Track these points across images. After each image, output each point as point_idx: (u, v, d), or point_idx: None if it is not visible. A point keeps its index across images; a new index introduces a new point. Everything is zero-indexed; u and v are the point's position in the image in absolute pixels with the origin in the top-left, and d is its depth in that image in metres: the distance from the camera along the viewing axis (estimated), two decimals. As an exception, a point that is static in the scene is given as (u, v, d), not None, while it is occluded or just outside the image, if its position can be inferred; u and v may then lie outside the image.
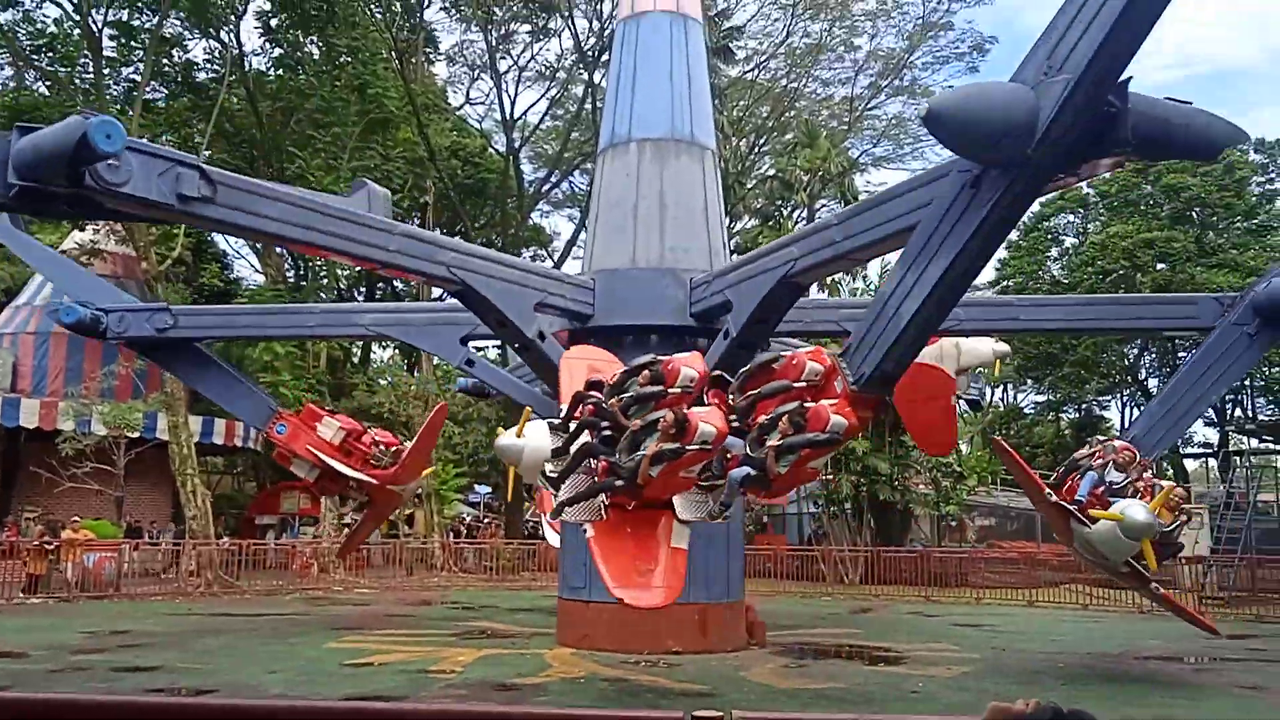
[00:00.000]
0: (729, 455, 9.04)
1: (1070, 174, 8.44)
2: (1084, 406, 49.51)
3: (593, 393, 9.13)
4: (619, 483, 8.56)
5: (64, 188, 9.26)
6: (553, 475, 9.27)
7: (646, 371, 8.93)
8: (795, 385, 9.13)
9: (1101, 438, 13.34)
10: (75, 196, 9.58)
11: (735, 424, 9.06)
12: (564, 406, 9.56)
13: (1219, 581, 22.78)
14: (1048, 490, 12.21)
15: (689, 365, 8.96)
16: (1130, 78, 7.47)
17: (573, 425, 9.21)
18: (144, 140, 11.51)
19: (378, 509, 18.30)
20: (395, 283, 42.82)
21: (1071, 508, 11.79)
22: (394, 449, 17.16)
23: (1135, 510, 11.06)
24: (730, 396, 9.49)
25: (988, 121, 7.40)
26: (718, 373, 9.99)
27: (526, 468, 9.70)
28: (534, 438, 9.58)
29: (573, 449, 9.00)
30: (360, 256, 11.95)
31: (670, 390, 8.76)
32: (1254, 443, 36.73)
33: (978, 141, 7.65)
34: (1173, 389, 14.07)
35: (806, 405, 8.77)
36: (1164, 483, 12.31)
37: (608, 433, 8.82)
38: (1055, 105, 7.25)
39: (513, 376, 16.50)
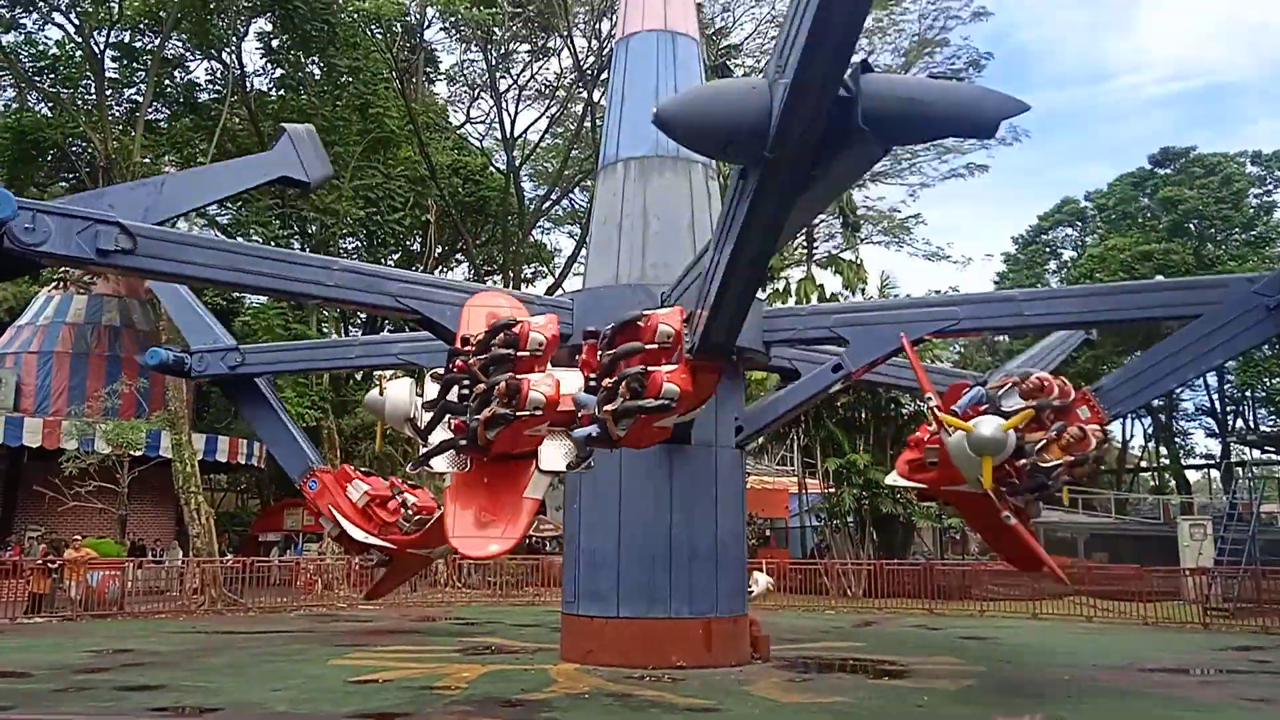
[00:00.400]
0: (580, 413, 9.38)
1: (825, 167, 7.74)
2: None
3: (466, 348, 9.38)
4: (463, 441, 8.95)
5: None
6: (419, 428, 9.76)
7: (501, 334, 9.12)
8: (647, 347, 9.29)
9: (1030, 371, 11.86)
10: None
11: (593, 382, 9.44)
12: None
13: (1223, 593, 22.73)
14: (930, 395, 11.36)
15: (538, 330, 9.12)
16: (864, 61, 6.95)
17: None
18: (58, 201, 11.80)
19: (399, 570, 18.46)
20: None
21: (938, 414, 11.04)
22: (419, 516, 17.47)
23: (986, 424, 10.36)
24: (599, 354, 9.69)
25: (716, 123, 7.23)
26: (592, 328, 10.10)
27: (390, 420, 10.45)
28: (393, 394, 10.22)
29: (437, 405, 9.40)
30: (299, 293, 12.28)
31: (520, 354, 8.99)
32: (1256, 454, 36.72)
33: (710, 143, 7.61)
34: (1164, 346, 12.47)
35: (647, 370, 9.03)
36: (1089, 428, 11.05)
37: (466, 390, 9.11)
38: (780, 104, 6.95)
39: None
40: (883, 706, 10.83)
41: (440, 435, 9.29)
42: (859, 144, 7.20)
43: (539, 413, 8.62)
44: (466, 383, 9.06)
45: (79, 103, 29.33)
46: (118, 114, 30.09)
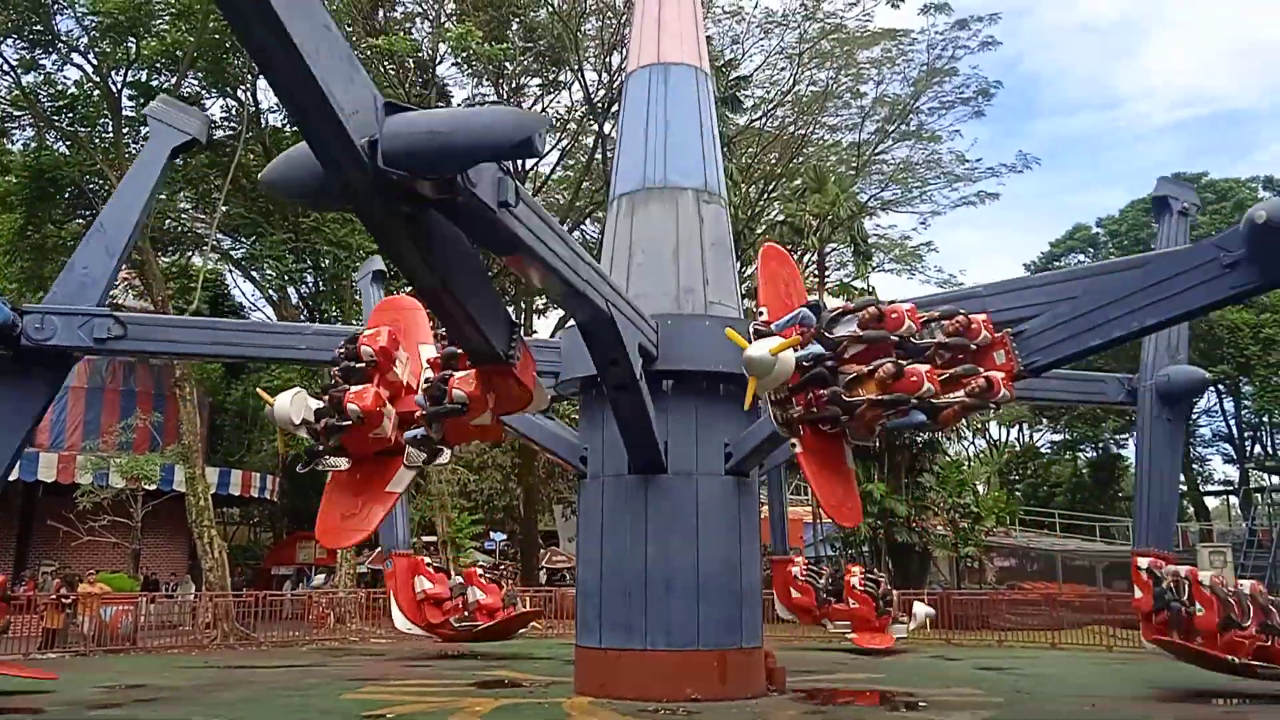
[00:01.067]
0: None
1: (403, 210, 7.58)
2: (1100, 445, 49.20)
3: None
4: (319, 446, 10.23)
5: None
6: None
7: (347, 348, 10.49)
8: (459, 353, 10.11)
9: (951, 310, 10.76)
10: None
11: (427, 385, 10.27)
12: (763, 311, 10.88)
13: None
14: (762, 309, 10.96)
15: (367, 342, 10.28)
16: (389, 102, 6.84)
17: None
18: (59, 304, 12.86)
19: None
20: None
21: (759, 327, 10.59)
22: (474, 623, 19.84)
23: (756, 345, 9.99)
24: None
25: (298, 181, 7.64)
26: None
27: (283, 427, 11.13)
28: (278, 405, 10.70)
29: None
30: (275, 359, 12.96)
31: (357, 365, 10.35)
32: (1275, 480, 36.34)
33: (302, 197, 8.37)
34: (1097, 293, 10.58)
35: (446, 378, 10.00)
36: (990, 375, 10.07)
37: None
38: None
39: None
40: (901, 739, 10.69)
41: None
42: (388, 183, 6.99)
43: (360, 422, 9.75)
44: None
45: (96, 141, 29.69)
46: (134, 151, 30.37)
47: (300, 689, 15.01)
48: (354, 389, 9.90)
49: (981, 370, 10.08)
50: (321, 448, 10.24)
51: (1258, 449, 46.48)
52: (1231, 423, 45.42)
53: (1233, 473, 48.61)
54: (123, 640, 22.01)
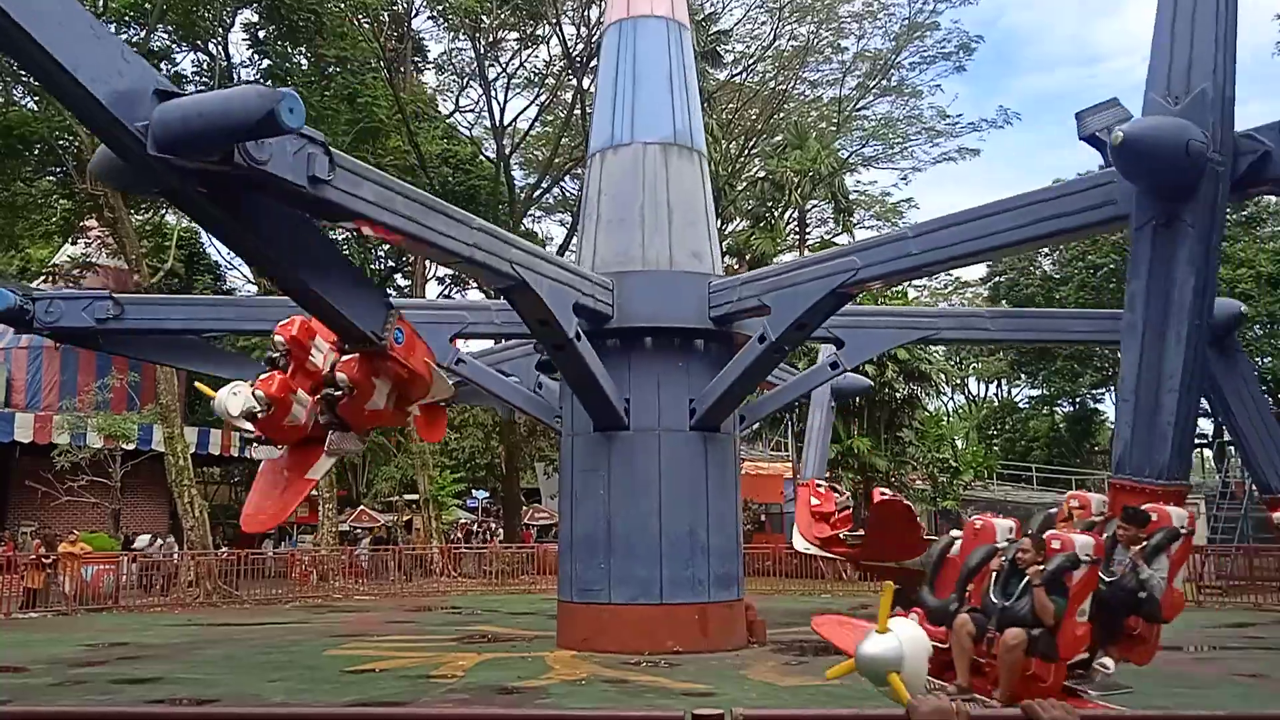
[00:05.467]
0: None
1: (200, 191, 7.82)
2: (1078, 400, 49.66)
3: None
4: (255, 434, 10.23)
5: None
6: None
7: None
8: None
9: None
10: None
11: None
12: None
13: (1216, 571, 22.86)
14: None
15: (280, 332, 10.09)
16: (160, 90, 7.04)
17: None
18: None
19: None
20: (388, 290, 42.89)
21: None
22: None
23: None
24: None
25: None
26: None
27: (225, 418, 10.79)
28: (220, 398, 10.33)
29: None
30: (261, 331, 13.00)
31: (273, 355, 10.22)
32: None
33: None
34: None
35: (335, 365, 9.99)
36: None
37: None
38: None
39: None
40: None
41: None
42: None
43: (270, 408, 9.72)
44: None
45: (65, 96, 29.14)
46: (104, 107, 29.89)
47: (283, 646, 15.08)
48: (261, 376, 10.04)
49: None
50: (255, 437, 10.44)
51: (1231, 403, 47.01)
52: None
53: (1207, 426, 49.25)
54: (104, 599, 22.01)
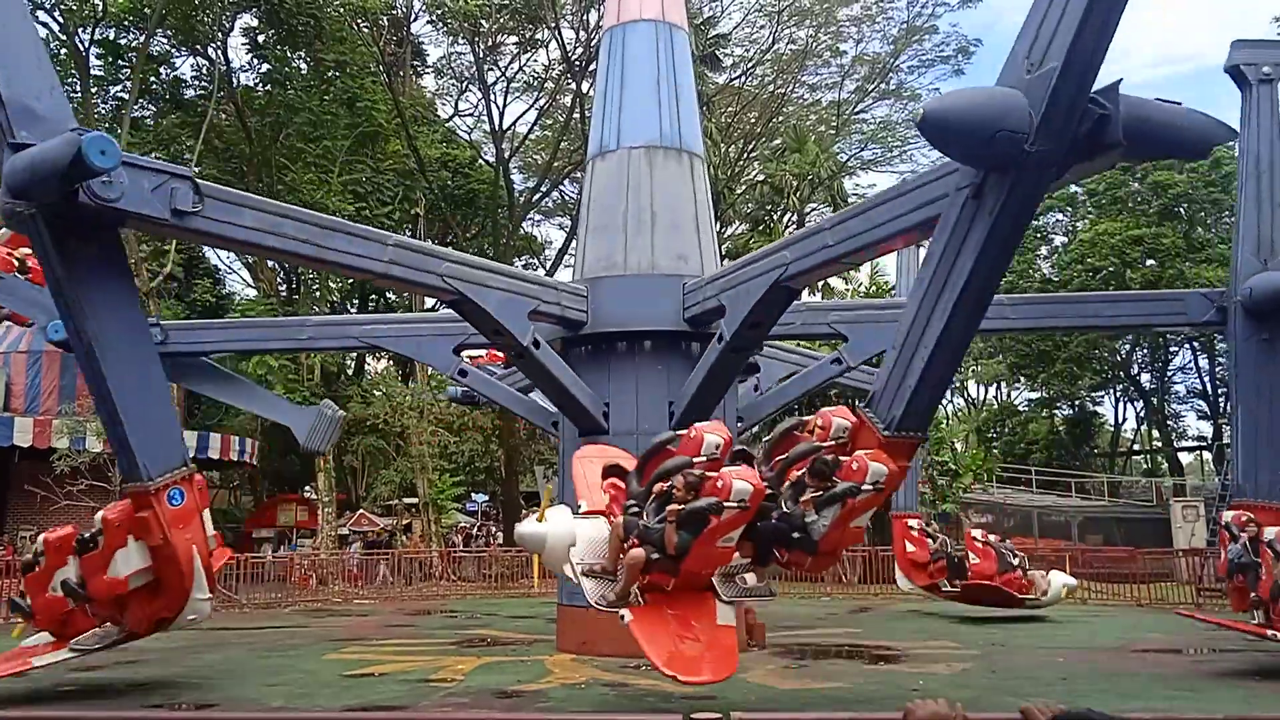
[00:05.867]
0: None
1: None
2: (1077, 403, 49.66)
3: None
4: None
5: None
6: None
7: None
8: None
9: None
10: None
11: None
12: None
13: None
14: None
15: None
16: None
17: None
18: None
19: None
20: (388, 294, 42.87)
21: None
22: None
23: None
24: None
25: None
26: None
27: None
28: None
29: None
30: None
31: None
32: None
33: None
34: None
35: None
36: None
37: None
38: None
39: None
40: (879, 691, 10.85)
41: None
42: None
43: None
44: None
45: (64, 100, 29.17)
46: (104, 111, 29.94)
47: (283, 650, 15.07)
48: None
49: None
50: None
51: (1230, 405, 47.05)
52: (1206, 379, 45.92)
53: (1206, 428, 49.25)
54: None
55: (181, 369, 16.27)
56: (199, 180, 9.85)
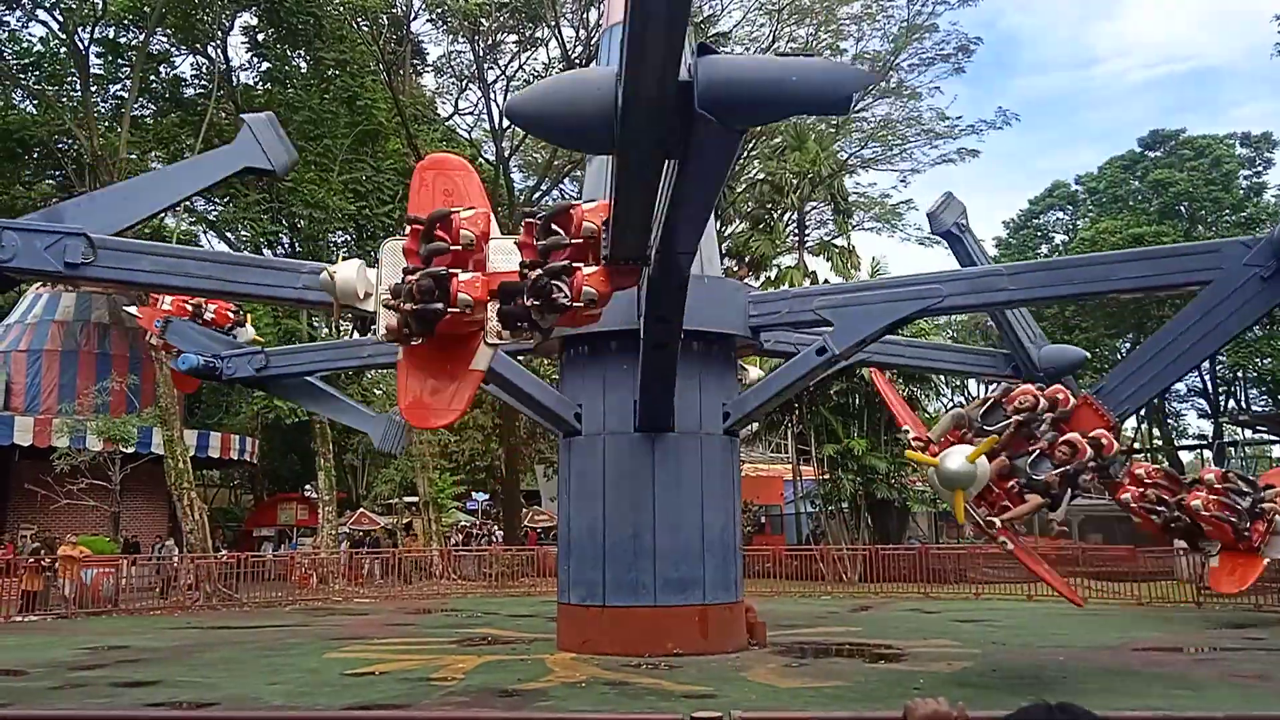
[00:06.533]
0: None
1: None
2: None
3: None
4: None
5: None
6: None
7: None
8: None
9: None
10: None
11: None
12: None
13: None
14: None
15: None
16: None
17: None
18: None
19: None
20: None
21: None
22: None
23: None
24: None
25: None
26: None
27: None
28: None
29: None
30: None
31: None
32: (1248, 434, 36.84)
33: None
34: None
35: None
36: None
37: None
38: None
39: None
40: (879, 690, 10.85)
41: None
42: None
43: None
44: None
45: (64, 100, 29.16)
46: (103, 110, 29.92)
47: (283, 649, 15.07)
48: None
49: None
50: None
51: (1231, 404, 47.06)
52: (1206, 378, 45.93)
53: (1207, 427, 49.26)
54: (104, 602, 21.99)
55: (281, 389, 17.99)
56: (91, 235, 11.13)
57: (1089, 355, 17.22)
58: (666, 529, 13.57)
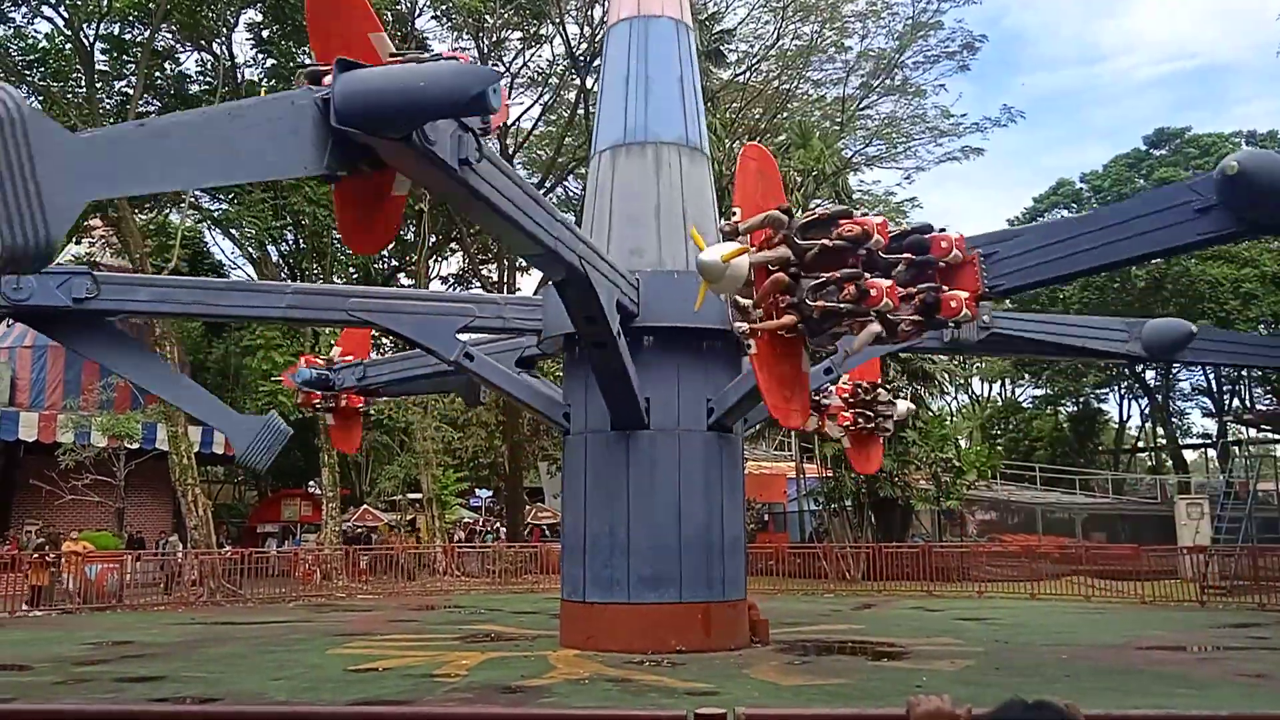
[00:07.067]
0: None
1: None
2: (1081, 400, 49.60)
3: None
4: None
5: None
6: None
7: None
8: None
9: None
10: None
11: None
12: None
13: (1220, 571, 22.82)
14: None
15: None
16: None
17: None
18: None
19: None
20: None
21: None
22: None
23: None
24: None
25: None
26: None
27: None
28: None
29: None
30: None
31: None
32: (1253, 433, 36.77)
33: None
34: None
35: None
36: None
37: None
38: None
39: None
40: (882, 688, 10.85)
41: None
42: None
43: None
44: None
45: (70, 96, 29.16)
46: (109, 107, 29.92)
47: (286, 644, 15.09)
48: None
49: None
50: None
51: (1235, 403, 46.96)
52: (1210, 377, 45.83)
53: (1211, 426, 49.20)
54: (109, 597, 22.05)
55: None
56: (96, 273, 13.17)
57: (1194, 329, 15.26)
58: (640, 526, 13.61)
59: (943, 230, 10.09)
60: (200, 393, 15.34)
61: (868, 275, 9.65)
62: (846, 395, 18.11)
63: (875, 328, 9.74)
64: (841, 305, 9.66)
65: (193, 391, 15.23)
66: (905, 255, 9.87)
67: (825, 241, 9.85)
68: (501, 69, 38.52)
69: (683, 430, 13.86)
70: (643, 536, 13.58)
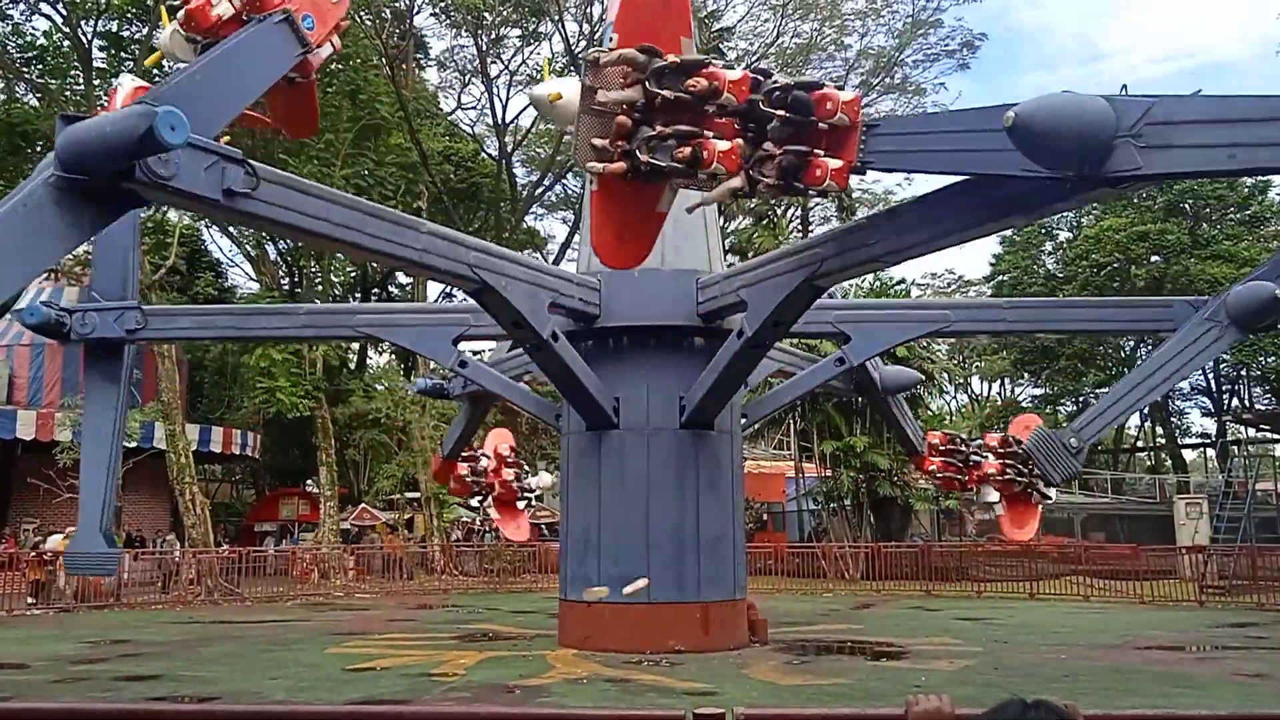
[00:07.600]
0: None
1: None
2: (1081, 399, 49.58)
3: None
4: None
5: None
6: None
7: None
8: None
9: None
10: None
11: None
12: None
13: (1219, 570, 22.81)
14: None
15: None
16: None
17: None
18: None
19: None
20: (390, 288, 42.84)
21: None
22: None
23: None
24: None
25: None
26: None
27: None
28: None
29: None
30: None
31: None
32: (1252, 432, 36.79)
33: None
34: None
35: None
36: None
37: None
38: None
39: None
40: (881, 688, 10.83)
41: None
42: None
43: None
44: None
45: (68, 93, 29.12)
46: (106, 104, 29.88)
47: (284, 643, 15.07)
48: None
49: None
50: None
51: (1234, 402, 47.00)
52: (1210, 376, 45.85)
53: (1210, 425, 49.23)
54: (106, 596, 22.01)
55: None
56: (143, 306, 13.60)
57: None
58: (610, 526, 13.61)
59: (838, 88, 9.44)
60: None
61: (707, 135, 9.20)
62: (995, 445, 16.80)
63: (735, 183, 9.33)
64: (673, 164, 9.29)
65: None
66: (780, 112, 9.13)
67: (667, 94, 9.29)
68: (500, 66, 38.54)
69: (652, 429, 13.74)
70: (611, 536, 13.57)
